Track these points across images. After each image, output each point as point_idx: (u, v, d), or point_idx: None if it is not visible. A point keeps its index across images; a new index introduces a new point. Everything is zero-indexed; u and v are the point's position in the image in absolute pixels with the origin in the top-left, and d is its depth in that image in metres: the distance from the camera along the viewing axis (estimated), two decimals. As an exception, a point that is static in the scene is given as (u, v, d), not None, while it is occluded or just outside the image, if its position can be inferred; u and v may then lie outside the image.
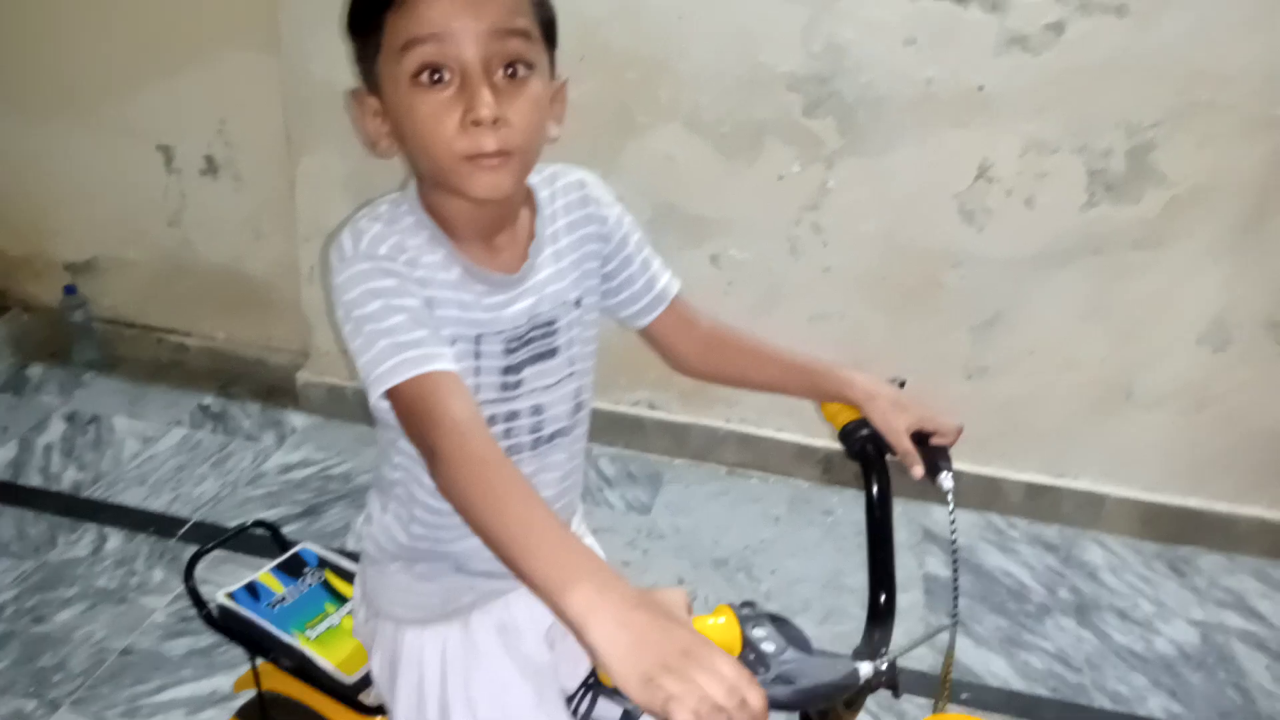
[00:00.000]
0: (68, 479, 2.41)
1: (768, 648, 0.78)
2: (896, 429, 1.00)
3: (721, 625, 0.77)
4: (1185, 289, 2.21)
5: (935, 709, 1.01)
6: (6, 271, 2.91)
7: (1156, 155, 2.10)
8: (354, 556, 1.32)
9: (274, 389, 2.78)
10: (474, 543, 1.00)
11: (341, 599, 1.26)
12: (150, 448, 2.54)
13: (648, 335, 1.13)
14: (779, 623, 0.82)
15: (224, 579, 1.29)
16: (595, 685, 1.14)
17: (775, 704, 0.73)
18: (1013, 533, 2.44)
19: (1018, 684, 2.01)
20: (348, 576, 1.28)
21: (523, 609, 1.09)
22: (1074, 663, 2.07)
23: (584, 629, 0.64)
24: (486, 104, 0.84)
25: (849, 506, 2.47)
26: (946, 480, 0.98)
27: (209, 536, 2.18)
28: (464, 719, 1.05)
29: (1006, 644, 2.11)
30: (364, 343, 0.86)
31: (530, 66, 0.88)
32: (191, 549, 2.17)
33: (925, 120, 2.15)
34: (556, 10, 0.93)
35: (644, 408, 2.60)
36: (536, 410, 1.02)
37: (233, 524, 2.24)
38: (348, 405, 2.66)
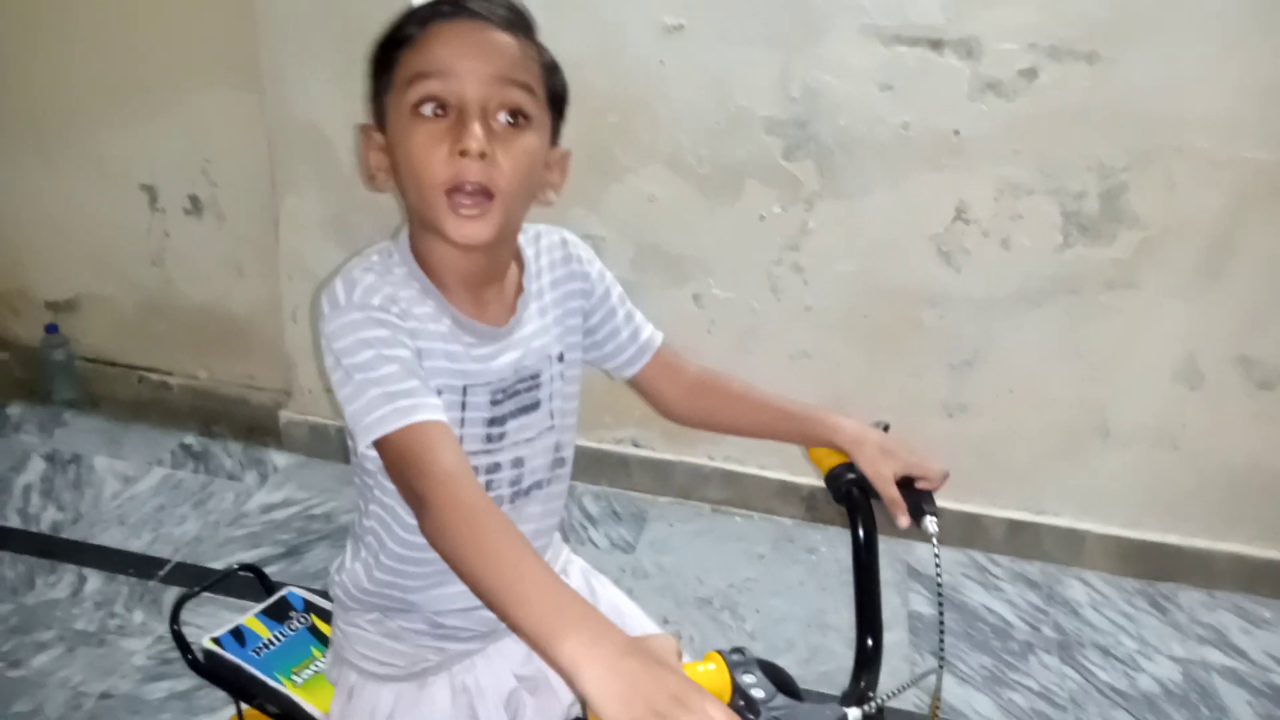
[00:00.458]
0: (47, 519, 2.39)
1: (757, 694, 0.78)
2: (883, 475, 1.02)
3: (711, 672, 0.78)
4: (1158, 327, 2.25)
5: None
6: (-14, 310, 2.90)
7: (1128, 197, 2.15)
8: (338, 599, 1.32)
9: (256, 428, 2.77)
10: (438, 593, 1.02)
11: (328, 643, 1.25)
12: (131, 487, 2.53)
13: (635, 385, 1.16)
14: (768, 669, 0.83)
15: (206, 621, 1.29)
16: None
17: None
18: (995, 570, 2.46)
19: (1001, 722, 2.02)
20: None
21: (486, 673, 1.09)
22: (1058, 700, 2.08)
23: (576, 676, 0.65)
24: (476, 137, 0.86)
25: (833, 545, 2.48)
26: (931, 525, 1.00)
27: (190, 577, 2.19)
28: None
29: (991, 682, 2.11)
30: (354, 391, 0.87)
31: (528, 119, 0.91)
32: (172, 590, 2.18)
33: (902, 163, 2.19)
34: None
35: (628, 445, 2.61)
36: (517, 463, 1.03)
37: (214, 564, 2.25)
38: (330, 444, 2.66)
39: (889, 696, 0.90)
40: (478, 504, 0.80)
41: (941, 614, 1.01)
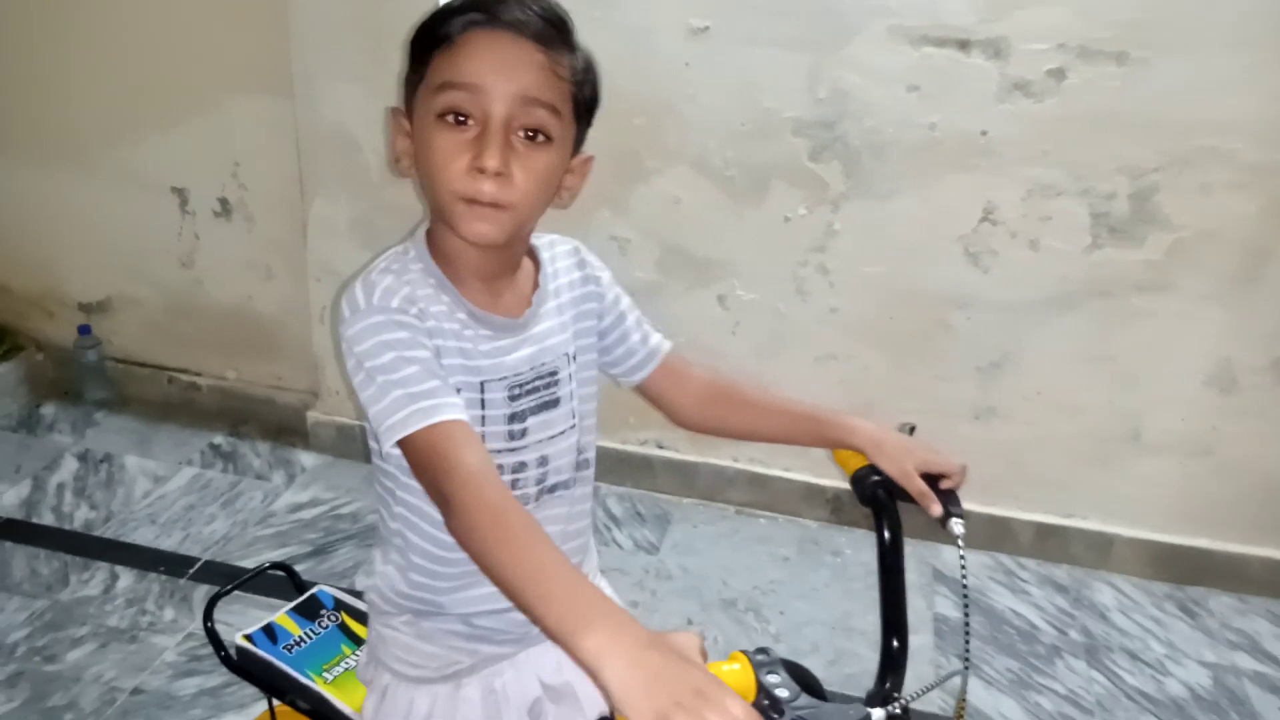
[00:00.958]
0: (79, 518, 2.42)
1: (781, 693, 0.79)
2: (907, 471, 1.02)
3: (736, 671, 0.78)
4: (1191, 331, 2.23)
5: None
6: (20, 312, 2.95)
7: (1159, 199, 2.13)
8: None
9: (284, 428, 2.79)
10: (469, 594, 1.03)
11: (358, 641, 1.27)
12: (161, 487, 2.56)
13: (643, 392, 1.17)
14: (793, 669, 0.83)
15: (236, 619, 1.30)
16: None
17: None
18: (1022, 574, 2.44)
19: (1029, 727, 2.00)
20: (364, 619, 1.29)
21: (514, 679, 1.10)
22: (1085, 704, 2.06)
23: (599, 669, 0.66)
24: (494, 156, 0.88)
25: (858, 547, 2.47)
26: (958, 526, 1.00)
27: (219, 575, 2.22)
28: None
29: (1017, 685, 2.10)
30: (377, 392, 0.89)
31: (549, 139, 0.92)
32: (202, 588, 2.21)
33: (930, 164, 2.18)
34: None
35: (652, 447, 2.61)
36: (543, 461, 1.04)
37: (243, 563, 2.27)
38: (357, 444, 2.68)
39: (914, 697, 0.90)
40: (502, 502, 0.81)
41: (967, 615, 1.01)
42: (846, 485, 1.09)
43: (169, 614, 2.12)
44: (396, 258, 0.98)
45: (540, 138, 0.92)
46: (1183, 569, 2.42)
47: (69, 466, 2.61)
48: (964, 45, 2.08)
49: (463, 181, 0.89)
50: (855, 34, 2.11)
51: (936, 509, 1.01)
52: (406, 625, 1.07)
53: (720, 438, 1.19)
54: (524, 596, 0.73)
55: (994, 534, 2.46)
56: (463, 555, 0.82)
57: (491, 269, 1.00)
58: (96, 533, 2.37)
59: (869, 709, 0.85)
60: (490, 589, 0.82)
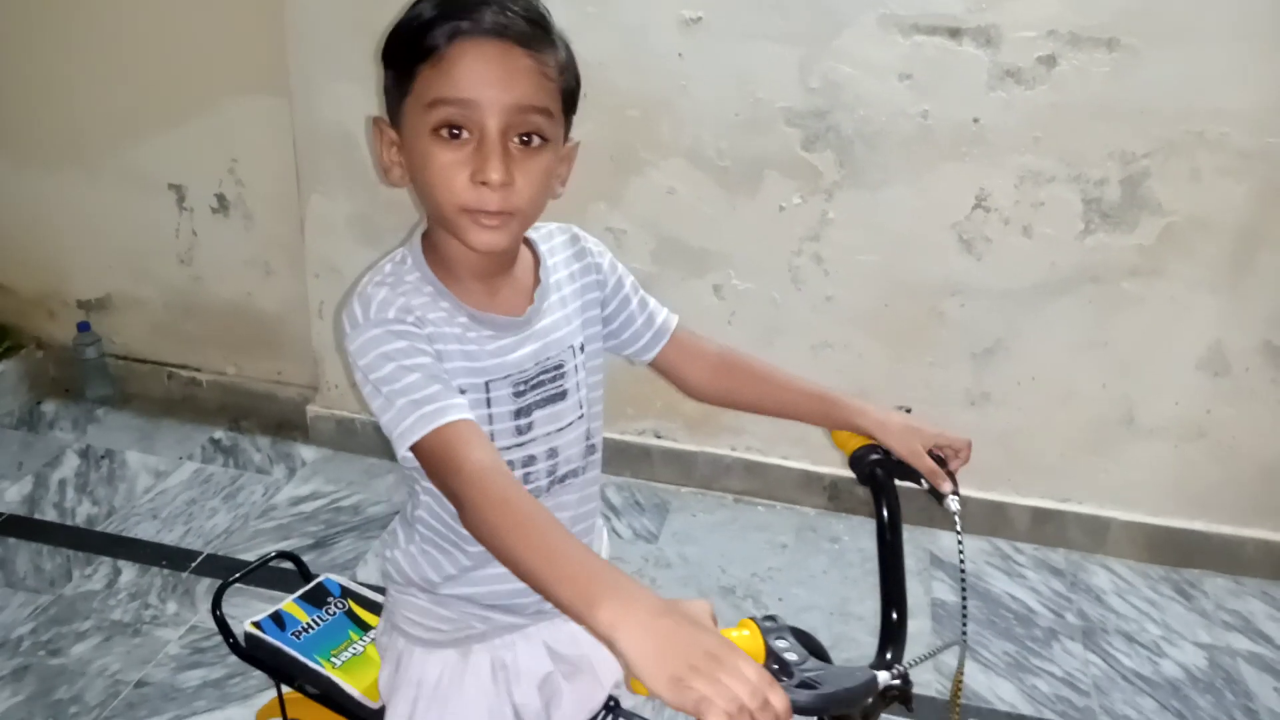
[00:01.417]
0: (82, 513, 2.44)
1: (790, 657, 0.81)
2: (915, 450, 1.05)
3: (746, 637, 0.81)
4: (1183, 315, 2.24)
5: None
6: (21, 310, 2.96)
7: (1151, 184, 2.14)
8: (372, 587, 1.35)
9: (284, 423, 2.81)
10: (491, 570, 1.04)
11: (365, 627, 1.28)
12: (162, 482, 2.57)
13: (656, 367, 1.18)
14: (800, 635, 0.85)
15: (239, 611, 1.31)
16: (615, 708, 1.16)
17: (799, 708, 0.76)
18: (1019, 558, 2.46)
19: (1025, 708, 2.02)
20: (371, 606, 1.31)
21: (525, 653, 1.11)
22: (1082, 687, 2.08)
23: (614, 639, 0.68)
24: (496, 170, 0.89)
25: (855, 534, 2.49)
26: (953, 503, 1.02)
27: (221, 569, 2.24)
28: None
29: (1014, 669, 2.12)
30: (384, 403, 0.91)
31: (545, 140, 0.93)
32: (204, 581, 2.23)
33: (922, 152, 2.20)
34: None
35: (650, 437, 2.63)
36: (552, 453, 1.05)
37: (245, 556, 2.29)
38: (357, 438, 2.70)
39: (914, 664, 0.92)
40: (509, 495, 0.83)
41: (964, 591, 1.04)
42: (844, 473, 1.12)
43: (172, 607, 2.14)
44: (392, 269, 0.99)
45: (536, 141, 0.92)
46: (1178, 552, 2.44)
47: (70, 463, 2.63)
48: (955, 34, 2.09)
49: (466, 195, 0.90)
50: (846, 24, 2.13)
51: (947, 485, 1.04)
52: (422, 592, 1.09)
53: (727, 409, 1.20)
54: (539, 580, 0.76)
55: (991, 519, 2.48)
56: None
57: (489, 269, 1.01)
58: (99, 528, 2.39)
59: (874, 671, 0.88)
60: (496, 571, 0.86)
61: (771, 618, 0.84)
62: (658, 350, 1.15)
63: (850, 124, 2.21)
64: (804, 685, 0.80)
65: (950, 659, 2.06)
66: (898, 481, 1.06)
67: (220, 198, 2.70)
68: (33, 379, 2.93)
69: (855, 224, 2.29)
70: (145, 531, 2.38)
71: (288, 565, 1.39)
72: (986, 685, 2.07)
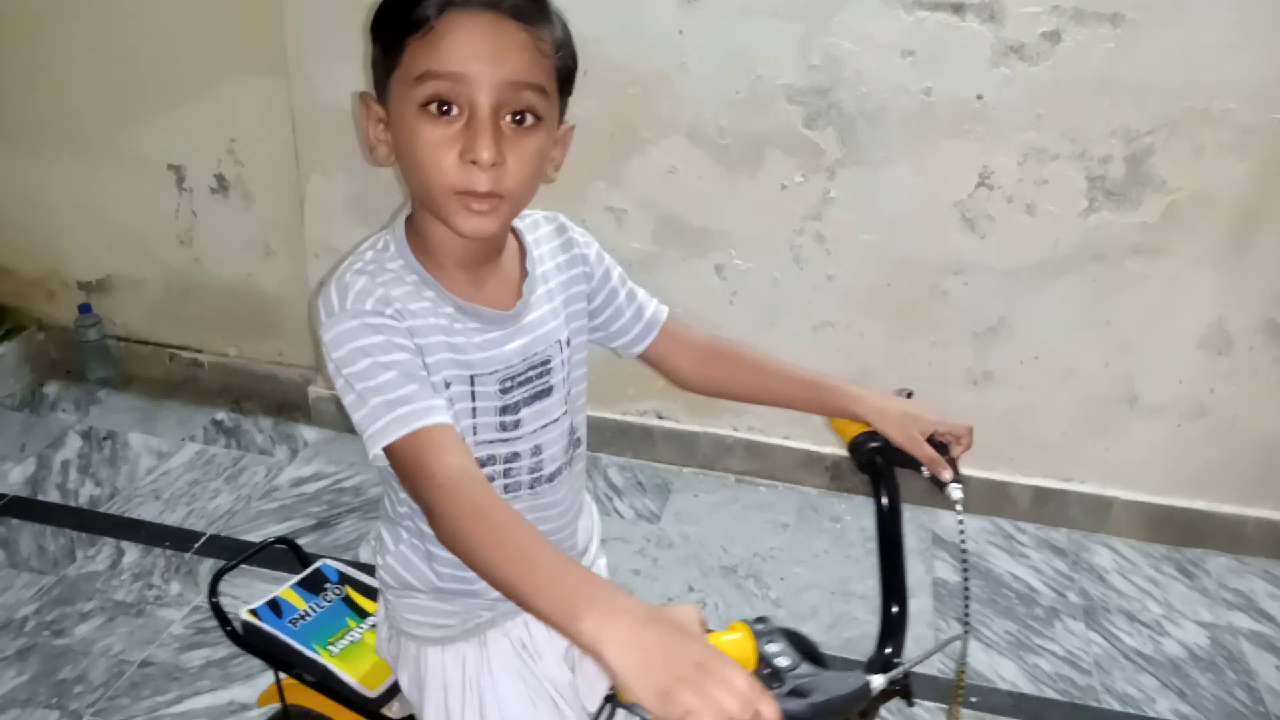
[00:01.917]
0: (85, 494, 2.44)
1: (781, 662, 0.79)
2: (914, 438, 1.03)
3: (736, 640, 0.78)
4: (1185, 294, 2.23)
5: (949, 715, 1.03)
6: (22, 292, 2.96)
7: (1154, 161, 2.12)
8: (371, 570, 1.35)
9: (286, 404, 2.81)
10: None
11: (362, 614, 1.28)
12: (165, 463, 2.58)
13: (645, 359, 1.16)
14: (793, 637, 0.84)
15: (242, 592, 1.32)
16: (614, 700, 1.16)
17: (790, 717, 0.75)
18: (1021, 537, 2.46)
19: (1027, 687, 2.03)
20: (368, 592, 1.31)
21: (540, 630, 1.10)
22: (1083, 665, 2.08)
23: (599, 651, 0.66)
24: (487, 148, 0.85)
25: (857, 514, 2.49)
26: (956, 491, 1.00)
27: (224, 550, 2.24)
28: None
29: (1016, 648, 2.12)
30: (356, 400, 0.87)
31: (539, 119, 0.89)
32: (207, 562, 2.23)
33: (925, 130, 2.18)
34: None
35: (652, 417, 2.62)
36: (536, 450, 1.02)
37: (247, 537, 2.29)
38: (359, 419, 2.69)
39: (914, 663, 0.91)
40: (483, 503, 0.81)
41: (966, 581, 1.02)
42: (846, 453, 1.10)
43: (175, 588, 2.15)
44: (373, 255, 0.95)
45: (529, 120, 0.88)
46: (1180, 531, 2.44)
47: (73, 444, 2.63)
48: (958, 9, 2.07)
49: (455, 175, 0.86)
50: (848, 0, 2.10)
51: (947, 473, 1.02)
52: (422, 593, 1.07)
53: (721, 399, 1.18)
54: (517, 592, 0.74)
55: (992, 499, 2.48)
56: None
57: (476, 257, 0.98)
58: (102, 509, 2.39)
59: (868, 676, 0.86)
60: None
61: (763, 619, 0.82)
62: (647, 343, 1.13)
63: (852, 101, 2.19)
64: (795, 693, 0.79)
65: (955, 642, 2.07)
66: (898, 469, 1.04)
67: (219, 178, 2.69)
68: (34, 361, 2.93)
69: (857, 202, 2.28)
70: (148, 512, 2.39)
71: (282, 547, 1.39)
72: (988, 664, 2.07)
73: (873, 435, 1.06)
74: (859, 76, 2.16)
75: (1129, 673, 2.07)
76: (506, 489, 1.02)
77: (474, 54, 0.85)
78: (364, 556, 2.27)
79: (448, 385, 0.93)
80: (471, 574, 1.02)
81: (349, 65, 2.32)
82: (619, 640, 0.65)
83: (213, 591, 1.25)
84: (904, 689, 0.90)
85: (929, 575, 2.28)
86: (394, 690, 1.19)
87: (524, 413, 1.00)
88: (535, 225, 1.07)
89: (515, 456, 1.01)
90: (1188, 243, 2.18)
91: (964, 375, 2.40)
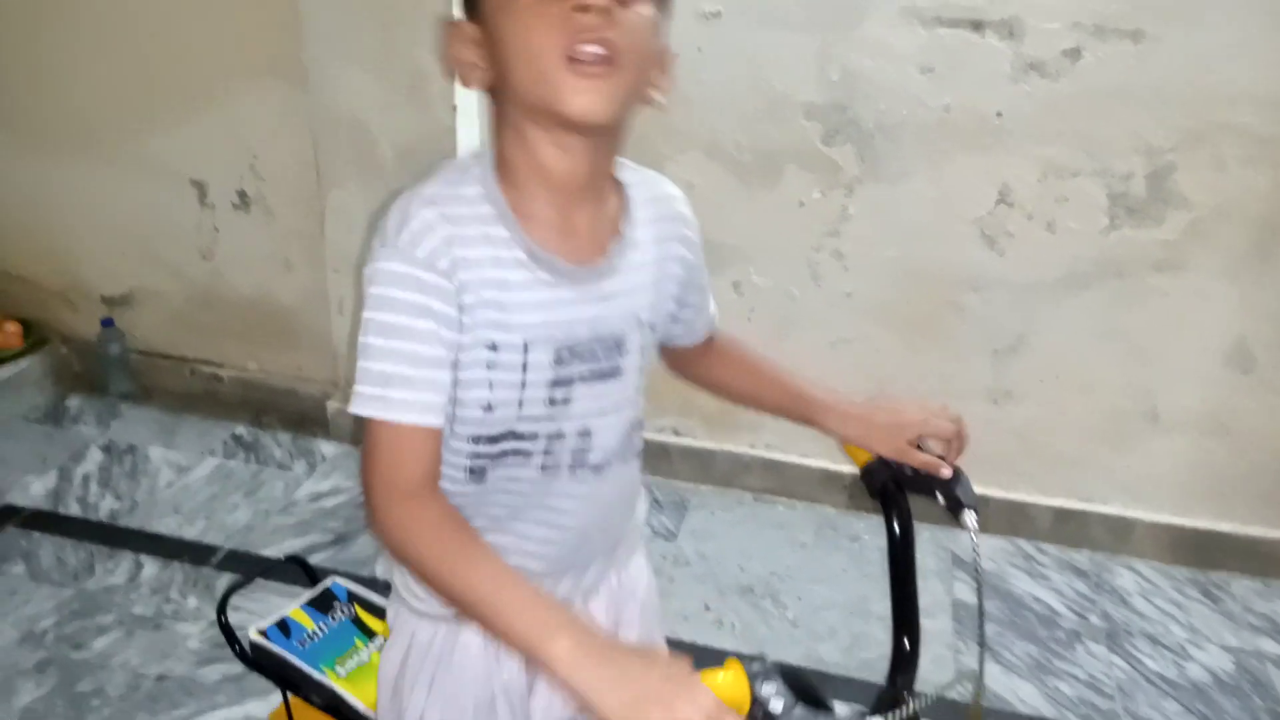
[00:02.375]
0: (105, 508, 2.46)
1: (776, 707, 0.78)
2: (903, 449, 1.00)
3: (729, 682, 0.76)
4: (1208, 311, 2.20)
5: None
6: (45, 305, 2.99)
7: (1177, 177, 2.10)
8: (384, 587, 1.34)
9: (304, 418, 2.82)
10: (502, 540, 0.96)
11: (370, 634, 1.28)
12: (184, 477, 2.59)
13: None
14: (790, 677, 0.80)
15: (255, 606, 1.32)
16: None
17: None
18: (1042, 558, 2.43)
19: (1048, 711, 2.00)
20: (377, 611, 1.31)
21: None
22: (1105, 689, 2.05)
23: (568, 674, 0.67)
24: None
25: (875, 533, 2.46)
26: (971, 519, 0.97)
27: (242, 564, 2.25)
28: (420, 702, 1.04)
29: (1036, 670, 2.09)
30: (365, 348, 0.83)
31: None
32: (225, 576, 2.24)
33: (944, 146, 2.17)
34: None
35: (669, 434, 2.62)
36: (584, 434, 0.94)
37: (265, 551, 2.30)
38: (376, 434, 2.70)
39: (926, 701, 0.89)
40: (443, 521, 0.80)
41: (981, 609, 0.99)
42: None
43: (192, 602, 2.16)
44: (452, 179, 0.87)
45: None
46: (1204, 552, 2.40)
47: (94, 458, 2.65)
48: (977, 25, 2.06)
49: (561, 28, 0.77)
50: (866, 15, 2.10)
51: (946, 471, 0.98)
52: None
53: (705, 390, 1.14)
54: (478, 610, 0.74)
55: (1012, 519, 2.45)
56: (493, 506, 0.87)
57: (574, 187, 0.86)
58: (121, 523, 2.41)
59: (870, 718, 0.84)
60: (504, 540, 0.85)
61: (759, 658, 0.79)
62: (691, 342, 1.08)
63: (870, 117, 2.18)
64: None
65: (971, 661, 2.04)
66: (915, 495, 1.02)
67: (241, 194, 2.71)
68: (57, 374, 2.96)
69: (875, 218, 2.27)
70: (167, 526, 2.40)
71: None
72: (1008, 687, 2.05)
73: (885, 463, 1.03)
74: (877, 92, 2.16)
75: (1152, 697, 2.04)
76: (544, 468, 0.94)
77: None
78: (380, 573, 2.26)
79: (494, 348, 0.86)
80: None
81: (367, 75, 2.34)
82: (587, 663, 0.67)
83: (221, 610, 1.26)
84: None
85: (949, 596, 2.26)
86: None
87: (578, 390, 0.91)
88: (648, 183, 0.97)
89: (559, 435, 0.93)
90: (1210, 258, 2.16)
91: (983, 392, 2.38)
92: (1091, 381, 2.32)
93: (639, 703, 0.64)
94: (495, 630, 0.73)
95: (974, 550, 0.96)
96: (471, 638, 1.06)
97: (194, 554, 2.30)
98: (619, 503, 1.04)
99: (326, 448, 2.74)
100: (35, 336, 2.95)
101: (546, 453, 0.93)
